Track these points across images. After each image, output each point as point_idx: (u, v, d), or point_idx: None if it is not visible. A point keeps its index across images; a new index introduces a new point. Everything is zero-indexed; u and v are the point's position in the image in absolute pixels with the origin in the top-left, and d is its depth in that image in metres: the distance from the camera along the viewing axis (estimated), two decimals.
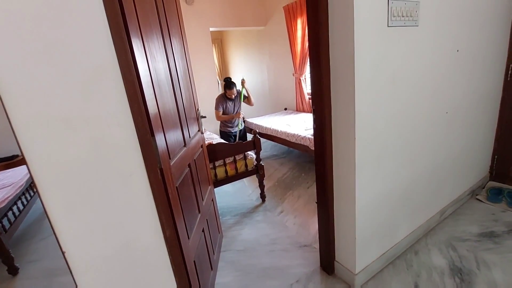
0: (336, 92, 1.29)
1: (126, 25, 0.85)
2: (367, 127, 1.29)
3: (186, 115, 1.49)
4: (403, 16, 1.26)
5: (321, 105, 1.33)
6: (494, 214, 2.06)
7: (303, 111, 4.55)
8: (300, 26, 4.08)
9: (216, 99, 3.34)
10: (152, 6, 1.16)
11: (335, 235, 1.58)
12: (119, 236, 0.80)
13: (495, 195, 2.25)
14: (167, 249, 1.00)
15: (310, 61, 1.32)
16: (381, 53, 1.24)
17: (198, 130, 1.77)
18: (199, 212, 1.53)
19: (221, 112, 3.30)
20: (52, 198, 0.70)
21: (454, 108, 1.81)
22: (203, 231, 1.54)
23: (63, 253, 0.67)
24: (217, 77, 6.57)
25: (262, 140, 4.54)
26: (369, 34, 1.17)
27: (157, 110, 1.04)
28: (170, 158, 1.14)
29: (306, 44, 4.06)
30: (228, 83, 3.28)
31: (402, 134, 1.49)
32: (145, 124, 0.90)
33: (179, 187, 1.22)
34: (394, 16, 1.22)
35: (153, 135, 0.96)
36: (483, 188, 2.43)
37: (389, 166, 1.48)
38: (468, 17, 1.67)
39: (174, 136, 1.24)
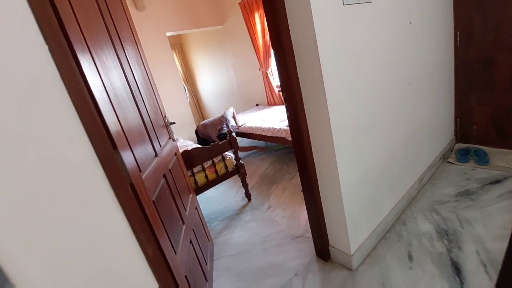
0: (304, 76, 1.26)
1: (65, 33, 0.75)
2: (339, 107, 1.28)
3: (153, 124, 1.39)
4: None
5: (291, 91, 1.30)
6: (465, 174, 2.18)
7: (275, 104, 4.55)
8: (259, 20, 4.06)
9: (213, 137, 3.67)
10: (97, 15, 1.05)
11: (325, 220, 1.57)
12: (90, 266, 0.71)
13: (463, 156, 2.39)
14: (152, 269, 0.91)
15: (273, 49, 1.28)
16: (341, 31, 1.24)
17: (169, 138, 1.67)
18: (183, 223, 1.44)
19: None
20: (3, 240, 0.59)
21: (416, 79, 1.88)
22: (190, 242, 1.46)
23: None
24: (183, 83, 6.39)
25: (239, 138, 4.50)
26: (327, 14, 1.16)
27: (117, 120, 0.94)
28: (141, 171, 1.04)
29: (267, 37, 4.05)
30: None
31: (373, 110, 1.51)
32: (103, 138, 0.80)
33: (157, 201, 1.13)
34: None
35: (116, 148, 0.87)
36: (452, 150, 2.57)
37: (366, 142, 1.49)
38: None
39: (143, 147, 1.14)
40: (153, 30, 4.01)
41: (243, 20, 4.29)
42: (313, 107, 1.29)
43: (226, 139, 3.43)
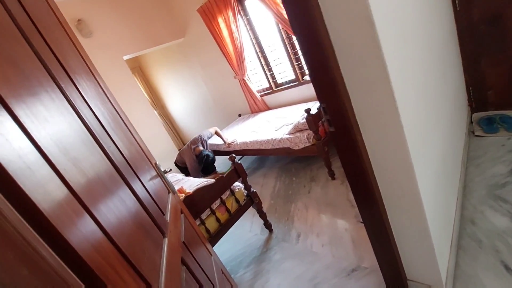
0: (352, 75, 0.89)
1: None
2: (408, 107, 0.92)
3: (147, 187, 0.93)
4: None
5: (336, 100, 0.92)
6: (504, 145, 1.95)
7: (260, 110, 4.17)
8: (224, 25, 3.66)
9: (193, 166, 3.19)
10: (25, 49, 0.60)
11: (399, 250, 1.20)
12: None
13: (489, 126, 2.18)
14: None
15: (302, 45, 0.90)
16: (392, 1, 0.89)
17: (169, 192, 1.21)
18: None
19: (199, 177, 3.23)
20: None
21: (442, 50, 1.60)
22: None
23: None
24: (152, 108, 5.80)
25: (225, 157, 4.04)
26: None
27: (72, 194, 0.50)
28: None
29: (237, 41, 3.67)
30: (207, 164, 3.14)
31: (427, 97, 1.19)
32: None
33: None
34: None
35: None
36: (471, 122, 2.36)
37: (432, 141, 1.16)
38: None
39: (143, 239, 0.70)
40: (107, 56, 3.46)
41: (206, 27, 3.88)
42: (371, 115, 0.92)
43: (208, 161, 3.14)
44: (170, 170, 1.26)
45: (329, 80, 0.89)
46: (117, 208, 0.66)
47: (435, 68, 1.42)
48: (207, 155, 3.12)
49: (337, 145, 1.03)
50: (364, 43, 0.80)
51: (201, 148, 3.24)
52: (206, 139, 3.37)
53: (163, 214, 0.96)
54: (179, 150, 3.71)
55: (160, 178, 1.20)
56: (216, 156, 3.81)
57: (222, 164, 4.11)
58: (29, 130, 0.48)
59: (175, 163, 3.62)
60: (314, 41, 0.84)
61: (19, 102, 0.49)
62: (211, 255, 1.34)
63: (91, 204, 0.55)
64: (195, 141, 3.30)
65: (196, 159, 3.18)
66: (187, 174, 3.40)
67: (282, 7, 2.86)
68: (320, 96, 0.95)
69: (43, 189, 0.45)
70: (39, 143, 0.49)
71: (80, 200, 0.52)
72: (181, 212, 1.24)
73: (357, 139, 0.96)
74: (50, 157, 0.50)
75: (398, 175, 0.98)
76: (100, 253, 0.50)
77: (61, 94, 0.69)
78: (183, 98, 5.46)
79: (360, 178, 1.04)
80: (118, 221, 0.63)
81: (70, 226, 0.46)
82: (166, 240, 0.83)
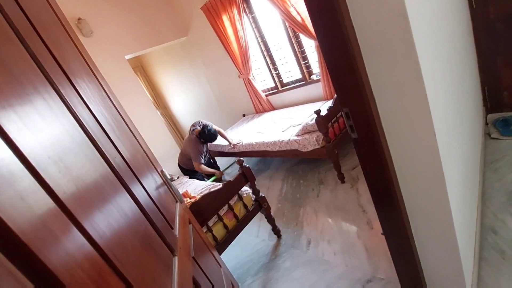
0: (379, 77, 0.81)
1: None
2: (438, 109, 0.85)
3: (153, 199, 0.86)
4: None
5: (360, 102, 0.84)
6: None
7: (264, 111, 4.10)
8: (229, 23, 3.58)
9: (193, 147, 2.84)
10: (19, 52, 0.53)
11: (421, 264, 1.13)
12: None
13: (505, 128, 2.09)
14: None
15: (321, 39, 0.82)
16: None
17: (176, 201, 1.14)
18: None
19: (202, 161, 2.83)
20: None
21: (460, 47, 1.52)
22: None
23: None
24: (155, 108, 5.74)
25: (229, 158, 3.96)
26: None
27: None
28: None
29: (242, 40, 3.59)
30: (210, 136, 2.84)
31: (452, 99, 1.11)
32: None
33: None
34: None
35: None
36: (487, 124, 2.27)
37: (456, 144, 1.09)
38: None
39: (151, 262, 0.63)
40: (108, 56, 3.38)
41: (210, 26, 3.79)
42: (400, 121, 0.84)
43: (211, 132, 2.80)
44: (178, 177, 1.19)
45: (354, 81, 0.81)
46: (116, 222, 0.59)
47: (457, 67, 1.34)
48: (209, 129, 2.89)
49: (360, 152, 0.95)
50: (397, 40, 0.72)
51: (199, 128, 3.02)
52: (205, 124, 3.16)
53: (172, 228, 0.89)
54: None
55: (167, 186, 1.13)
56: (219, 157, 3.75)
57: (224, 166, 4.06)
58: (14, 140, 0.41)
59: (178, 164, 3.55)
60: (339, 38, 0.77)
61: (7, 111, 0.42)
62: (220, 266, 1.27)
63: (82, 217, 0.47)
64: (194, 125, 3.12)
65: (198, 139, 2.93)
66: (190, 176, 3.33)
67: (289, 4, 2.78)
68: (342, 99, 0.88)
69: (20, 200, 0.37)
70: (24, 152, 0.41)
71: (68, 212, 0.45)
72: (189, 222, 1.17)
73: (382, 146, 0.89)
74: (36, 167, 0.42)
75: (427, 184, 0.90)
76: (84, 269, 0.43)
77: (59, 100, 0.62)
78: (186, 98, 5.39)
79: (383, 188, 0.96)
80: (117, 237, 0.56)
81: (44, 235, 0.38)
82: (176, 260, 0.75)
